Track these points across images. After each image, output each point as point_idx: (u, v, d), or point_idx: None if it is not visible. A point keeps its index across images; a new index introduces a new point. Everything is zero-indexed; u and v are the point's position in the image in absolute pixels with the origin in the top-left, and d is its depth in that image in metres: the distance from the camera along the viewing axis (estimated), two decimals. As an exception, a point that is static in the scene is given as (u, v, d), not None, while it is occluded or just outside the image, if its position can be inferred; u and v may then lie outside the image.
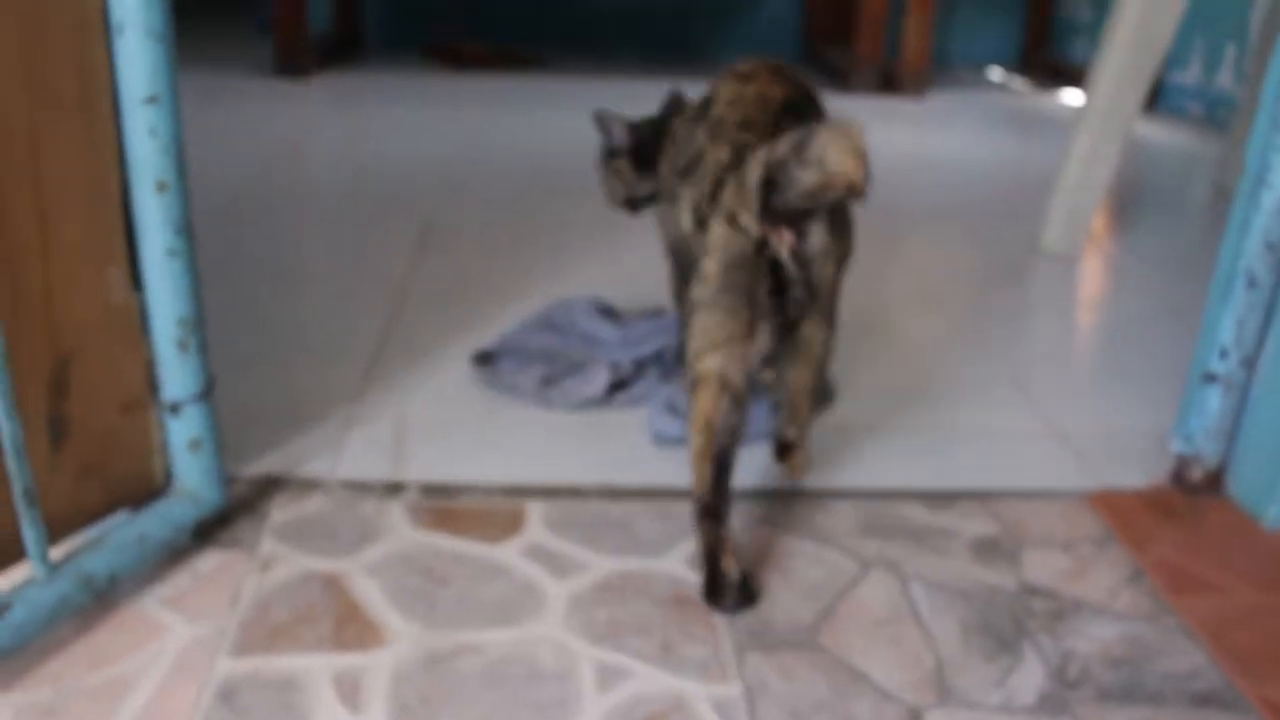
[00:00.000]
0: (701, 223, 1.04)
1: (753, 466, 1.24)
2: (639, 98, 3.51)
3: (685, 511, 1.15)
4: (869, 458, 1.29)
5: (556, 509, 1.15)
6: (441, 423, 1.32)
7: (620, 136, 1.35)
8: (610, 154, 1.37)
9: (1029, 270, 2.06)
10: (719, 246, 1.00)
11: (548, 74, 3.83)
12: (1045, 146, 3.11)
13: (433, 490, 1.18)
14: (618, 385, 1.37)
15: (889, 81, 3.67)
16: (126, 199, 0.96)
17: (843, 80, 3.72)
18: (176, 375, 1.01)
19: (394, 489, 1.18)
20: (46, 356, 0.93)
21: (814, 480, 1.23)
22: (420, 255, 1.92)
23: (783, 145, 0.94)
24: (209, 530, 1.08)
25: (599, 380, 1.36)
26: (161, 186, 0.94)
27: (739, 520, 1.14)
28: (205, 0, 5.24)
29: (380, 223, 2.15)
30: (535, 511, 1.15)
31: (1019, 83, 4.14)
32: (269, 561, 1.05)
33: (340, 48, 3.98)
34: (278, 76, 3.49)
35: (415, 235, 2.02)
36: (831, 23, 4.26)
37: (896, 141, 3.11)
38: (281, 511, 1.13)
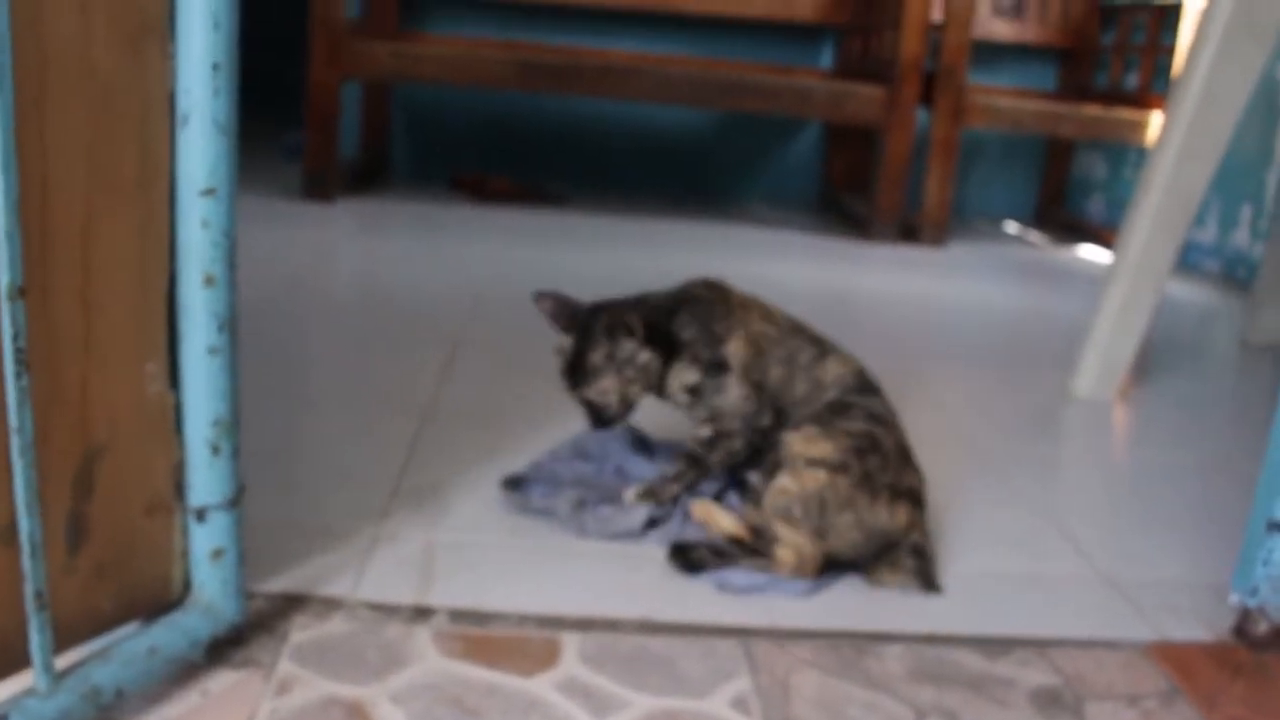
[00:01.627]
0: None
1: (800, 607, 1.18)
2: (659, 236, 3.53)
3: (730, 650, 1.09)
4: (916, 602, 1.23)
5: (593, 642, 1.08)
6: (471, 546, 1.26)
7: (635, 325, 1.28)
8: (583, 358, 1.28)
9: (1061, 416, 2.02)
10: None
11: (569, 210, 3.88)
12: (1066, 296, 3.11)
13: (462, 616, 1.11)
14: (653, 522, 1.32)
15: (909, 231, 3.70)
16: (173, 292, 0.93)
17: (863, 228, 3.75)
18: (205, 479, 0.97)
19: (421, 613, 1.11)
20: (75, 451, 0.88)
21: (861, 623, 1.17)
22: (446, 377, 1.88)
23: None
24: (222, 648, 1.01)
25: (637, 515, 1.31)
26: (209, 280, 0.91)
27: (784, 662, 1.07)
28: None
29: (406, 344, 2.13)
30: (571, 644, 1.08)
31: (1035, 236, 4.19)
32: (287, 684, 0.98)
33: (366, 175, 4.04)
34: (305, 199, 3.53)
35: (441, 357, 1.99)
36: (852, 171, 4.33)
37: (919, 289, 3.12)
38: (301, 632, 1.06)
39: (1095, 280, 3.17)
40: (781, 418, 1.32)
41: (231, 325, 0.94)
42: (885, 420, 1.30)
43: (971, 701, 1.04)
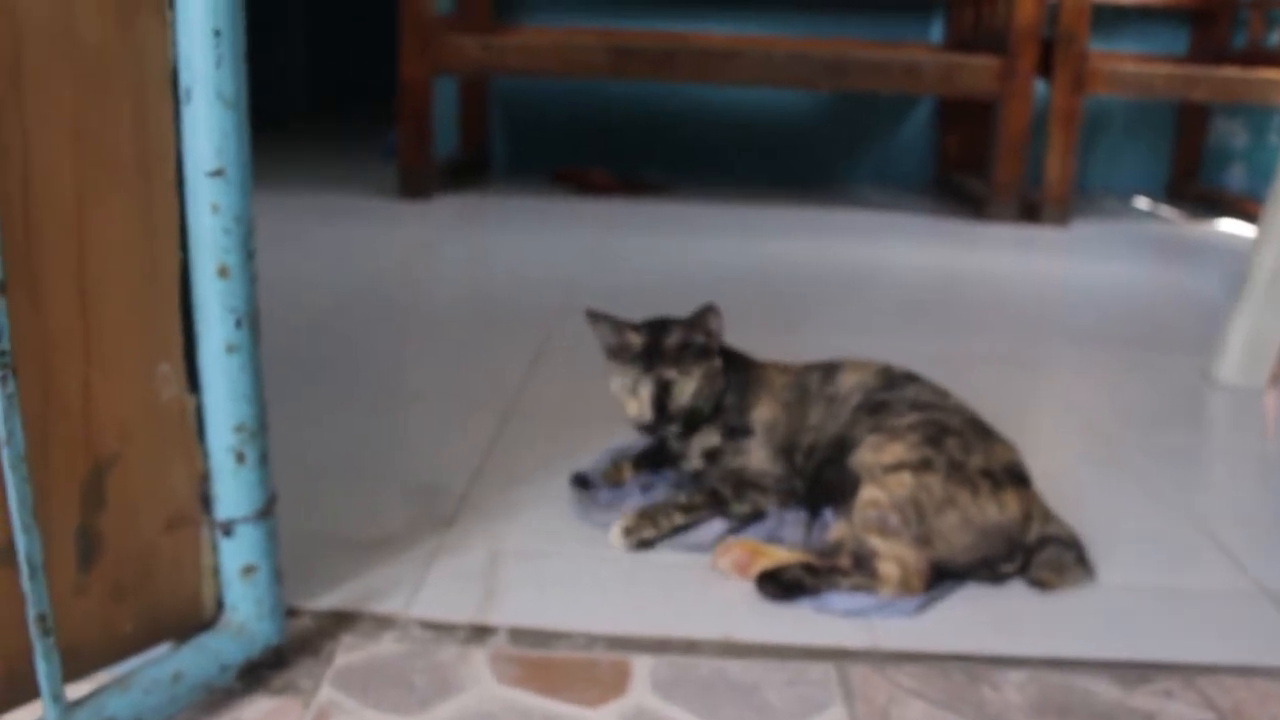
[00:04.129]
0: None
1: (905, 626, 1.05)
2: (765, 223, 3.39)
3: (822, 674, 0.96)
4: (1039, 620, 1.08)
5: (667, 665, 0.97)
6: (540, 556, 1.16)
7: (715, 332, 1.25)
8: (704, 350, 1.24)
9: (1203, 404, 1.83)
10: None
11: (673, 200, 3.76)
12: (1205, 275, 2.87)
13: (524, 635, 1.01)
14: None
15: (1029, 210, 3.48)
16: (186, 287, 0.84)
17: (979, 208, 3.55)
18: (231, 490, 0.88)
19: (479, 632, 1.01)
20: (81, 460, 0.80)
21: (976, 644, 1.02)
22: (533, 373, 1.79)
23: None
24: (260, 671, 0.93)
25: (711, 530, 1.19)
26: (223, 271, 0.83)
27: (885, 690, 0.94)
28: (330, 131, 5.40)
29: (494, 339, 2.05)
30: (642, 668, 0.96)
31: (1168, 212, 3.91)
32: (325, 712, 0.88)
33: (465, 172, 4.00)
34: (401, 198, 3.50)
35: (529, 353, 1.90)
36: (967, 150, 4.12)
37: (1041, 269, 2.92)
38: (347, 654, 0.97)
39: (1238, 256, 2.92)
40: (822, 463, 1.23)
41: (251, 320, 0.85)
42: (933, 404, 1.19)
43: (1106, 739, 0.89)
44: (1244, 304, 1.87)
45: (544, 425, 1.55)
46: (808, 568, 1.09)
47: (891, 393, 1.21)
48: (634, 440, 1.39)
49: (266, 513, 0.90)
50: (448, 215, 3.39)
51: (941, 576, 1.09)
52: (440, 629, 1.02)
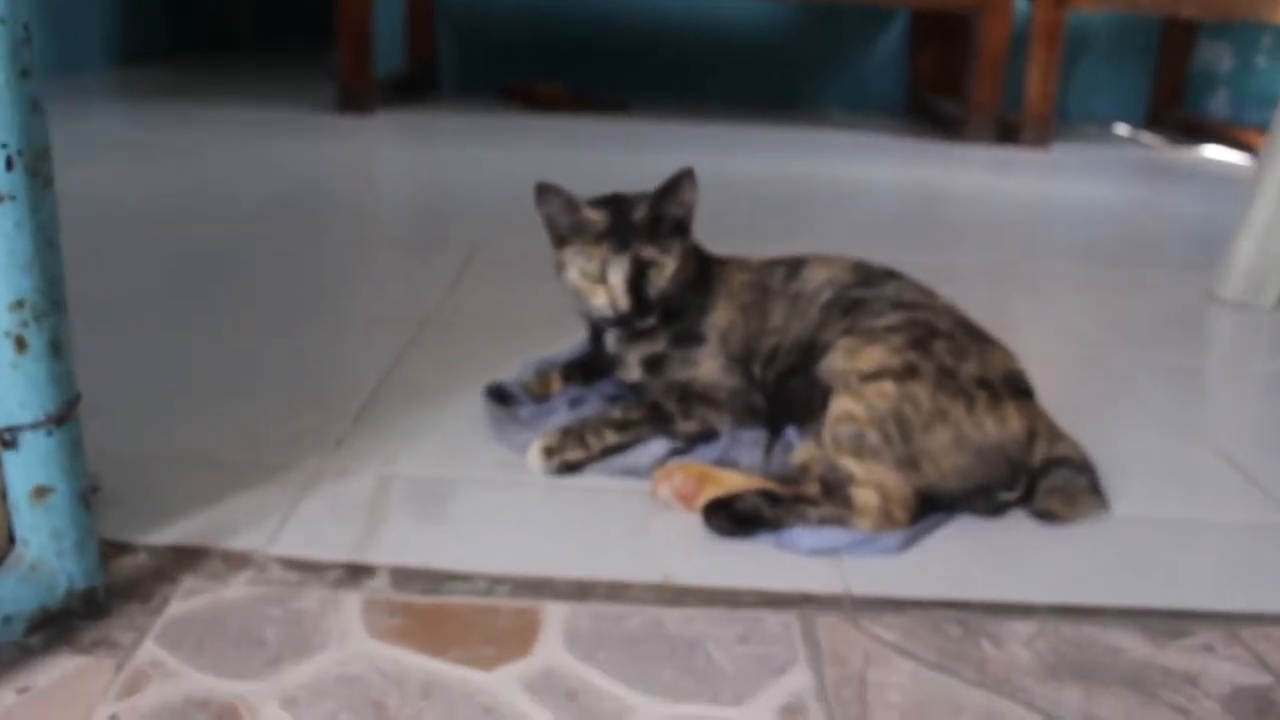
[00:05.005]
0: None
1: (886, 566, 0.86)
2: (728, 140, 3.15)
3: (782, 627, 0.77)
4: (1047, 559, 0.89)
5: (587, 615, 0.77)
6: (440, 483, 0.96)
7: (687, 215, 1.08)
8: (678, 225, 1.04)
9: (1209, 323, 1.65)
10: None
11: (633, 117, 3.53)
12: (1194, 197, 2.69)
13: (409, 577, 0.81)
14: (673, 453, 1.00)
15: (1008, 131, 3.28)
16: (-61, 110, 0.62)
17: (955, 130, 3.34)
18: (11, 388, 0.67)
19: (355, 573, 0.81)
20: None
21: (972, 590, 0.83)
22: (457, 284, 1.58)
23: None
24: (66, 623, 0.72)
25: (650, 452, 0.99)
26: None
27: (861, 647, 0.75)
28: (275, 55, 5.09)
29: (419, 251, 1.84)
30: (554, 617, 0.77)
31: (1150, 138, 3.72)
32: (141, 677, 0.68)
33: (411, 87, 3.73)
34: (339, 113, 3.24)
35: (456, 264, 1.68)
36: (940, 71, 3.90)
37: (1024, 189, 2.72)
38: (184, 600, 0.77)
39: (1226, 180, 2.75)
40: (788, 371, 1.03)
41: (30, 161, 0.63)
42: (918, 303, 1.00)
43: (1137, 709, 0.71)
44: (1251, 221, 1.69)
45: (462, 339, 1.34)
46: (767, 496, 0.90)
47: (868, 289, 1.01)
48: (562, 350, 1.19)
49: (63, 418, 0.69)
50: (387, 131, 3.14)
51: (930, 506, 0.90)
52: (306, 569, 0.81)
